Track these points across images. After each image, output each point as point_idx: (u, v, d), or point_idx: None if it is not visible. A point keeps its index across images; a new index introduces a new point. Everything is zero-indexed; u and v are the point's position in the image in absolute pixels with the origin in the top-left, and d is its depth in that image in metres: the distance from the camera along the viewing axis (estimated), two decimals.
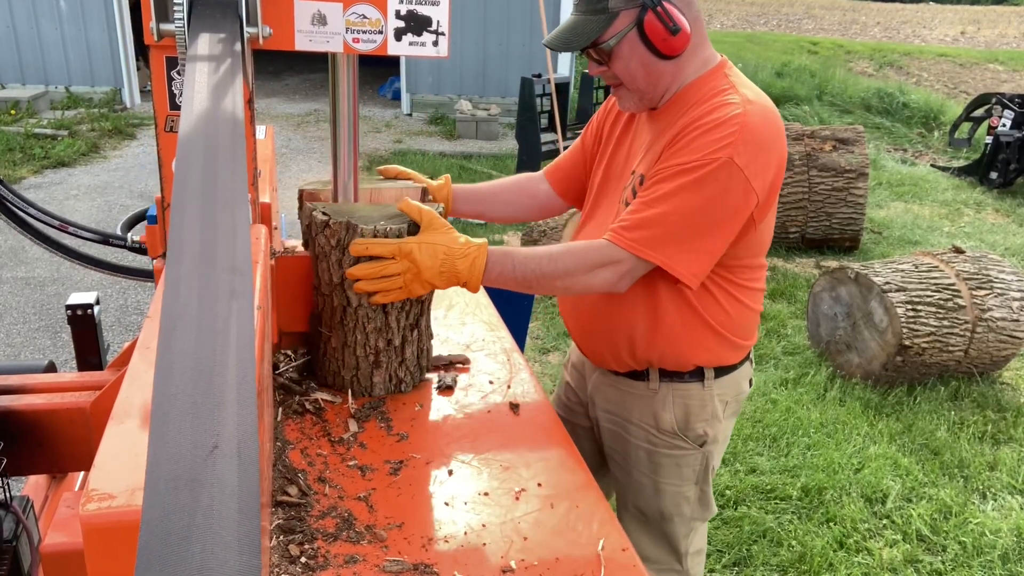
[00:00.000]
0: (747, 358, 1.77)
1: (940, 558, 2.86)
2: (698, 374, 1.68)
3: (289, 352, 1.70)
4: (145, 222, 1.68)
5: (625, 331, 1.66)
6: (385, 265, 1.44)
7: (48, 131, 8.52)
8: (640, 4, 1.48)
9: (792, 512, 3.04)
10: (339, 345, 1.56)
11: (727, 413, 1.74)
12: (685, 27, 1.49)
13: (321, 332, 1.59)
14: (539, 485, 1.34)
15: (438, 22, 1.43)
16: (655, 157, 1.56)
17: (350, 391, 1.58)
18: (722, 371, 1.70)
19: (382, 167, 1.79)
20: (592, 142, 1.83)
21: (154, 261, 1.57)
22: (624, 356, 1.69)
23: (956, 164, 9.06)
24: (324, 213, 1.51)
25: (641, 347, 1.65)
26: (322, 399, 1.56)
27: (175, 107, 1.38)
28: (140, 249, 2.33)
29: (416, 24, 1.42)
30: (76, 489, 1.98)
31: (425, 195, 1.76)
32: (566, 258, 1.52)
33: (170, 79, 1.36)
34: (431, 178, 1.84)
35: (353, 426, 1.48)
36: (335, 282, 1.51)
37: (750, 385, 1.81)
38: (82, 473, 1.97)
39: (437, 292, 1.65)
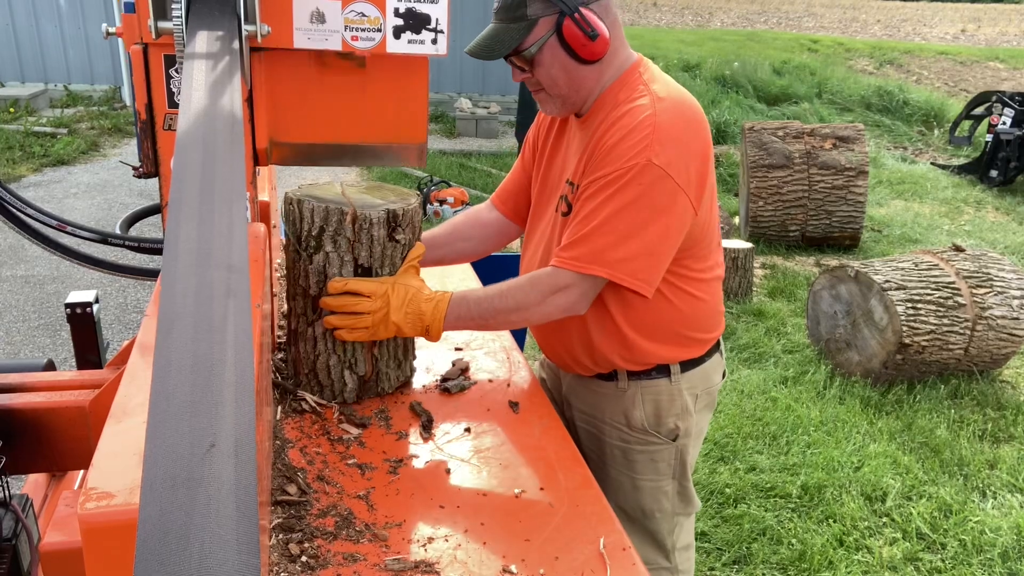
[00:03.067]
0: (716, 350, 1.77)
1: (940, 556, 2.86)
2: (664, 370, 1.68)
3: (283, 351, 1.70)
4: (124, 6, 1.58)
5: (578, 340, 1.68)
6: (359, 301, 1.48)
7: (47, 129, 8.51)
8: (558, 11, 1.49)
9: (792, 510, 3.04)
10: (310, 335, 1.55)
11: (699, 407, 1.75)
12: (603, 32, 1.51)
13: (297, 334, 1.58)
14: (541, 488, 1.33)
15: (437, 20, 1.43)
16: (583, 164, 1.58)
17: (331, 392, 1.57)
18: (689, 365, 1.70)
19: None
20: (530, 159, 1.85)
21: (132, 47, 1.49)
22: (585, 362, 1.70)
23: (956, 162, 9.06)
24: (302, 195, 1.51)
25: (597, 353, 1.67)
26: (314, 400, 1.56)
27: (173, 105, 1.37)
28: (140, 248, 2.33)
29: (415, 22, 1.42)
30: (75, 488, 1.98)
31: (425, 206, 1.75)
32: (516, 293, 1.55)
33: (168, 77, 1.36)
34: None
35: (352, 428, 1.48)
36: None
37: (723, 377, 1.81)
38: (81, 472, 1.97)
39: (437, 287, 1.64)
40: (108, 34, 1.92)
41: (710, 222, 1.62)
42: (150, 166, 1.41)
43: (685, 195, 1.49)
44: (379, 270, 1.51)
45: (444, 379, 1.66)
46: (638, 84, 1.56)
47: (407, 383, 1.65)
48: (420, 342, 1.73)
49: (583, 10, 1.49)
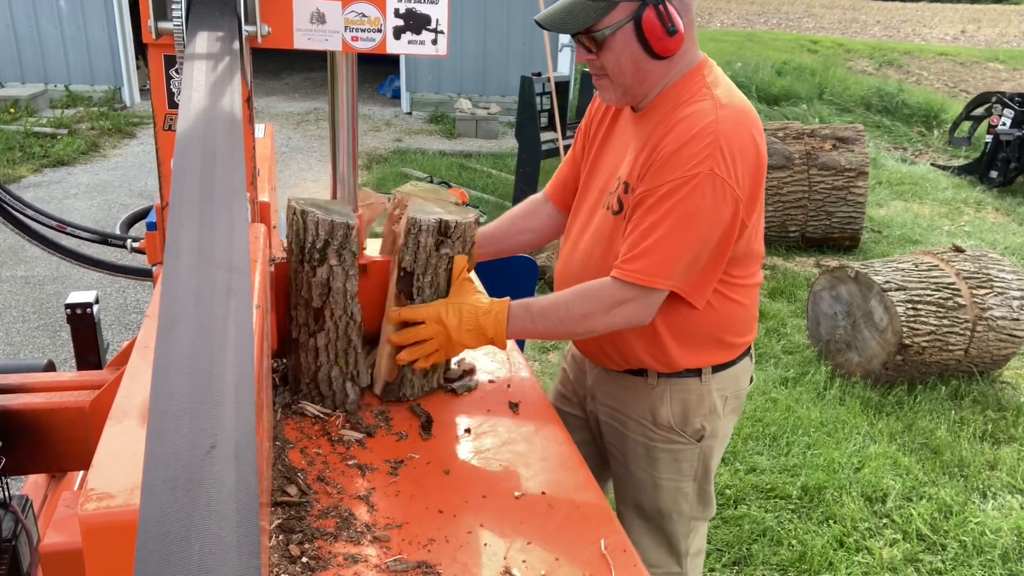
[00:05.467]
0: (746, 353, 1.76)
1: (940, 557, 2.86)
2: (695, 370, 1.68)
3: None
4: (145, 225, 1.67)
5: (611, 337, 1.65)
6: (417, 331, 1.51)
7: (47, 130, 8.51)
8: None
9: (792, 511, 3.04)
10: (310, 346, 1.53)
11: (727, 410, 1.74)
12: (681, 29, 1.47)
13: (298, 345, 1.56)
14: (542, 491, 1.33)
15: (437, 20, 1.42)
16: (639, 165, 1.55)
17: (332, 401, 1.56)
18: (720, 366, 1.70)
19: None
20: (580, 148, 1.82)
21: (153, 268, 1.56)
22: (615, 357, 1.70)
23: (956, 163, 9.05)
24: (305, 206, 1.49)
25: (629, 351, 1.66)
26: (317, 410, 1.55)
27: (174, 105, 1.38)
28: (139, 248, 2.33)
29: (415, 22, 1.42)
30: (75, 488, 1.97)
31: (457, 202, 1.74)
32: (582, 304, 1.54)
33: (168, 78, 1.36)
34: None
35: (352, 432, 1.48)
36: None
37: (751, 382, 1.80)
38: (81, 472, 1.97)
39: None
40: (133, 249, 2.05)
41: (757, 231, 1.61)
42: None
43: (741, 206, 1.48)
44: (421, 276, 1.52)
45: (448, 380, 1.66)
46: (701, 87, 1.52)
47: (432, 392, 1.64)
48: None
49: (667, 3, 1.45)
